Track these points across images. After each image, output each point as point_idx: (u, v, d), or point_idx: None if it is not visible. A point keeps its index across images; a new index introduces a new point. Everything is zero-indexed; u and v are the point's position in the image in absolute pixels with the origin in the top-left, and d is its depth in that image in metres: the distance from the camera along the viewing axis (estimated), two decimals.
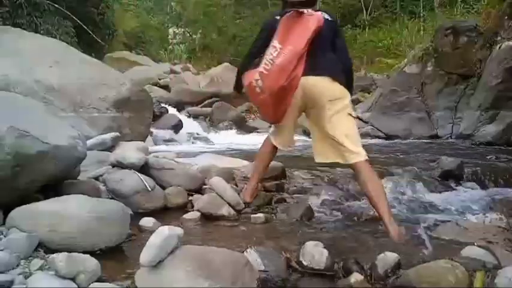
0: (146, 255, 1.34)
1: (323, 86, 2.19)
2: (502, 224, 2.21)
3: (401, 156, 4.32)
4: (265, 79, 2.11)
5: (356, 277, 1.53)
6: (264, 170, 2.52)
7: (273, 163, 2.94)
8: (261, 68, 2.13)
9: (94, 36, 9.85)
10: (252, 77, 2.17)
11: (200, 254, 1.40)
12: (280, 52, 2.09)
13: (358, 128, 7.86)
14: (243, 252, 1.60)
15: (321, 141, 2.28)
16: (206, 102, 8.44)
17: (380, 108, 7.13)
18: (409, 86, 6.82)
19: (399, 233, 1.96)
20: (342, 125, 2.20)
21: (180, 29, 22.51)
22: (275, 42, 2.11)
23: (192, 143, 5.94)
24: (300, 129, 7.23)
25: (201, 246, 1.57)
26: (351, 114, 2.23)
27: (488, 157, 4.10)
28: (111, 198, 2.25)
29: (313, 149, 2.36)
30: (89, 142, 2.91)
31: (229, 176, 2.79)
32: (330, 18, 2.23)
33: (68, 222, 1.64)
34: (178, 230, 1.41)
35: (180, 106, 7.90)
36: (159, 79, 9.55)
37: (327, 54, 2.22)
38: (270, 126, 2.54)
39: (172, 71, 11.01)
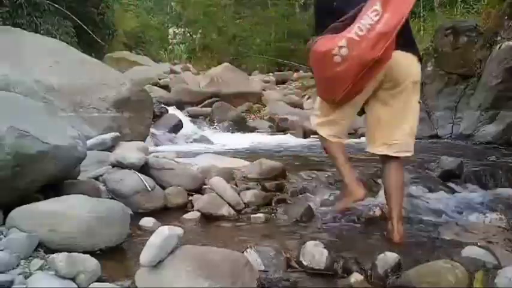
0: (146, 255, 1.34)
1: (411, 64, 2.00)
2: (502, 224, 2.21)
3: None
4: (356, 47, 1.78)
5: (356, 277, 1.53)
6: (347, 158, 2.17)
7: (273, 163, 2.95)
8: (351, 34, 1.80)
9: (94, 36, 9.86)
10: (335, 43, 1.82)
11: (200, 254, 1.40)
12: (382, 17, 1.77)
13: (358, 128, 7.82)
14: (243, 252, 1.60)
15: (383, 128, 2.02)
16: (206, 102, 8.44)
17: None
18: None
19: (401, 235, 1.94)
20: (413, 113, 2.02)
21: (180, 29, 22.53)
22: (377, 5, 1.79)
23: (192, 143, 5.94)
24: (300, 129, 7.25)
25: (201, 246, 1.57)
26: (420, 103, 2.06)
27: (488, 157, 4.10)
28: (111, 198, 2.25)
29: (369, 137, 2.13)
30: (89, 142, 2.91)
31: (229, 176, 2.79)
32: None
33: (68, 222, 1.64)
34: (178, 230, 1.41)
35: (180, 106, 7.90)
36: (159, 79, 9.55)
37: (410, 29, 2.00)
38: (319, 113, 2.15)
39: (172, 71, 11.01)
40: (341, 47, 1.80)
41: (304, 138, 6.70)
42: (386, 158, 2.05)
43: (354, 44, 1.79)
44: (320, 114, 2.15)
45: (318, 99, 2.17)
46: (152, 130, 5.48)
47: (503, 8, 5.87)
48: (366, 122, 2.14)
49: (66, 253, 1.42)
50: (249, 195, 2.50)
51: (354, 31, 1.80)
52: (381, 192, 2.82)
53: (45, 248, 1.61)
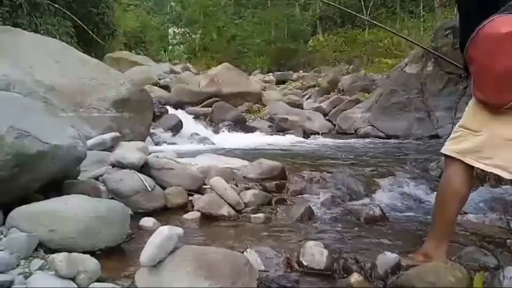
0: (146, 255, 1.34)
1: None
2: (502, 224, 2.21)
3: (401, 156, 4.32)
4: None
5: (356, 277, 1.52)
6: (456, 217, 1.63)
7: (273, 163, 2.95)
8: None
9: (94, 36, 9.87)
10: None
11: (200, 254, 1.40)
12: None
13: (358, 128, 7.82)
14: (243, 252, 1.60)
15: None
16: (206, 102, 8.44)
17: (380, 108, 7.13)
18: (409, 86, 6.82)
19: None
20: None
21: (180, 29, 22.56)
22: None
23: (192, 143, 5.94)
24: (299, 129, 7.26)
25: (201, 246, 1.57)
26: None
27: None
28: (111, 198, 2.25)
29: None
30: (89, 142, 2.91)
31: (229, 176, 2.79)
32: None
33: (68, 222, 1.64)
34: (178, 230, 1.40)
35: (180, 106, 7.90)
36: (159, 79, 9.54)
37: None
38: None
39: (172, 71, 11.02)
40: None
41: (304, 138, 6.71)
42: None
43: None
44: (468, 127, 1.57)
45: (471, 107, 1.60)
46: (152, 130, 5.48)
47: None
48: None
49: (66, 253, 1.42)
50: (249, 195, 2.50)
51: None
52: (381, 192, 2.84)
53: (45, 248, 1.60)
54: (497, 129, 1.50)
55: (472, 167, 1.56)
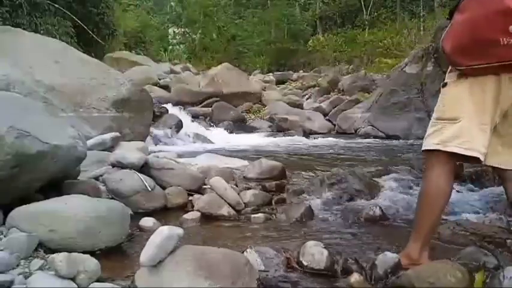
0: (146, 255, 1.33)
1: None
2: (502, 224, 2.21)
3: (401, 156, 4.32)
4: None
5: (356, 277, 1.52)
6: (440, 215, 1.60)
7: (273, 163, 2.96)
8: None
9: (94, 36, 9.89)
10: None
11: (200, 254, 1.40)
12: None
13: (358, 128, 7.83)
14: (243, 252, 1.60)
15: None
16: (206, 102, 8.45)
17: (380, 108, 7.13)
18: (409, 86, 6.82)
19: None
20: None
21: (180, 29, 22.58)
22: None
23: (192, 143, 5.94)
24: (299, 129, 7.26)
25: (201, 246, 1.56)
26: None
27: None
28: (111, 198, 2.25)
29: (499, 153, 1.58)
30: (89, 142, 2.91)
31: (229, 176, 2.80)
32: None
33: (68, 222, 1.64)
34: (178, 230, 1.40)
35: (180, 106, 7.90)
36: (159, 79, 9.55)
37: None
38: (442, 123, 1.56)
39: (172, 71, 11.03)
40: None
41: (304, 138, 6.71)
42: None
43: None
44: (446, 110, 1.56)
45: (442, 98, 1.61)
46: (152, 130, 5.48)
47: None
48: None
49: (66, 253, 1.42)
50: (249, 195, 2.50)
51: None
52: (381, 192, 2.84)
53: (45, 248, 1.61)
54: (472, 114, 1.50)
55: (454, 163, 1.56)
